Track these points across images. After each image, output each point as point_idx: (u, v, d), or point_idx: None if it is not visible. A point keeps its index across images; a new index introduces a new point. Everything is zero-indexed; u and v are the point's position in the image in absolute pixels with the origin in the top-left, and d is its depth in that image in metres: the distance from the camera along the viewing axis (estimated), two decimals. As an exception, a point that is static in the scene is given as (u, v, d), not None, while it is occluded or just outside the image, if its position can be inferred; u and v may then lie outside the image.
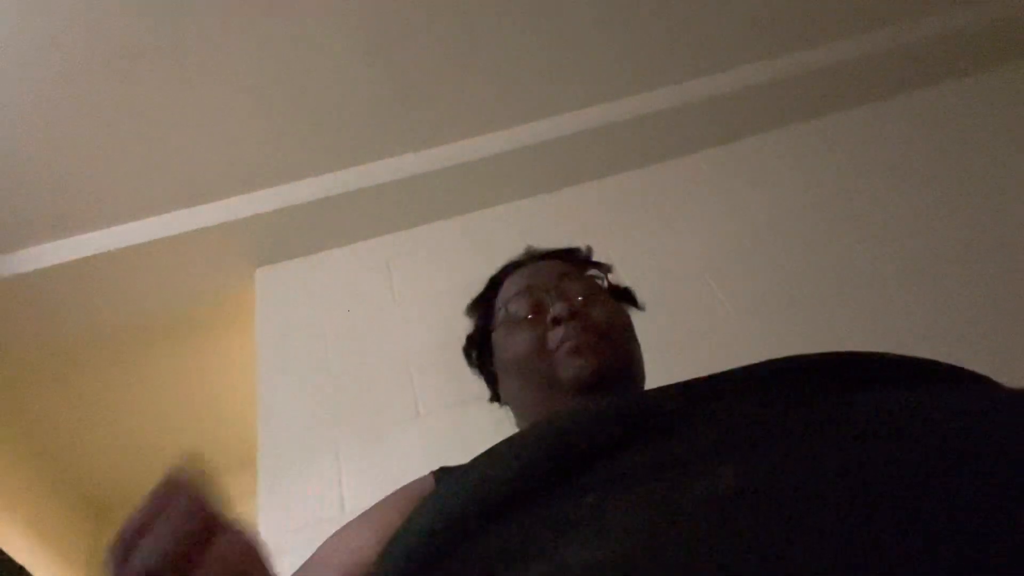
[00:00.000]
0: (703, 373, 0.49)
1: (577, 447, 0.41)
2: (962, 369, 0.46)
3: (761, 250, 1.65)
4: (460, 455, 0.62)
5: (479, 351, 0.88)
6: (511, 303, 0.79)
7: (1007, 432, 0.32)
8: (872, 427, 0.35)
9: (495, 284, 0.88)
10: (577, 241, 0.95)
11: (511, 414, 0.82)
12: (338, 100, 1.70)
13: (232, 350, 2.16)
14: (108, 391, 2.22)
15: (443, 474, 0.71)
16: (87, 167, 1.66)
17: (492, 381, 0.86)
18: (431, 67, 1.69)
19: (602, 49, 1.77)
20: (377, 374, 1.56)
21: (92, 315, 1.86)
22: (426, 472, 0.73)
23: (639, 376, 0.77)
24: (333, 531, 0.66)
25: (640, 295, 0.91)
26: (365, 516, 0.65)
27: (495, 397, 0.87)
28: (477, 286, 0.90)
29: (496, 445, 0.48)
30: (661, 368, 0.83)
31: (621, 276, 0.92)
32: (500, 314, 0.81)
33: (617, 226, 1.76)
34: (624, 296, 0.88)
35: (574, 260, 0.89)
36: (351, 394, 1.53)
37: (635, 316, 0.84)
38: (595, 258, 0.91)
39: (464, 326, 0.91)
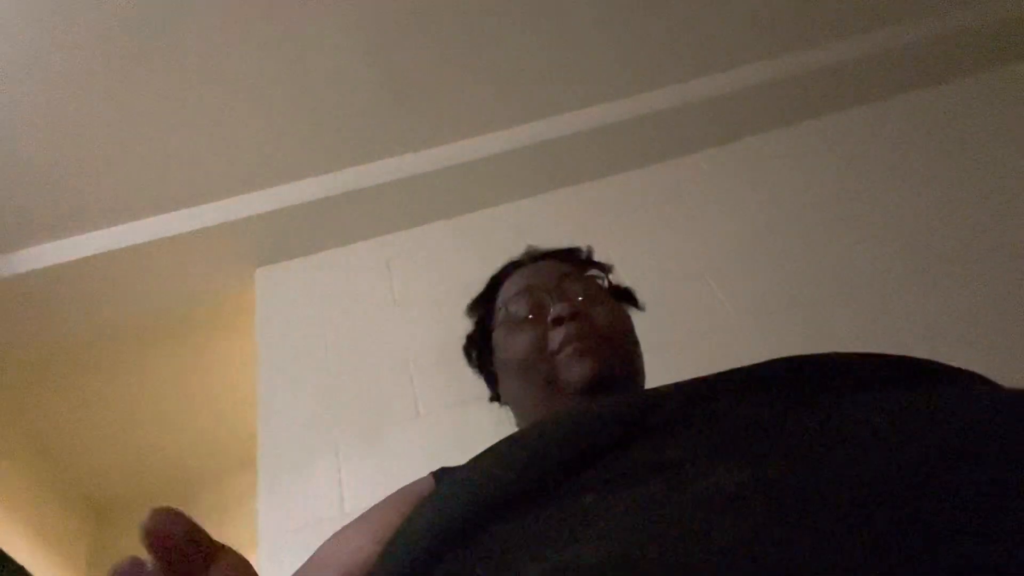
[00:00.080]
0: (703, 373, 0.49)
1: (577, 447, 0.41)
2: (961, 370, 0.46)
3: (761, 250, 1.65)
4: (460, 455, 0.62)
5: (479, 351, 0.88)
6: (511, 303, 0.79)
7: (1007, 432, 0.32)
8: (872, 428, 0.35)
9: (495, 284, 0.88)
10: (577, 241, 0.95)
11: (511, 414, 0.82)
12: (338, 100, 1.70)
13: (232, 350, 2.16)
14: (108, 391, 2.22)
15: (443, 474, 0.71)
16: (87, 167, 1.66)
17: (492, 381, 0.86)
18: (431, 67, 1.69)
19: (602, 49, 1.77)
20: (377, 374, 1.56)
21: (92, 315, 1.86)
22: (426, 472, 0.73)
23: (639, 376, 0.77)
24: (333, 531, 0.66)
25: (640, 295, 0.91)
26: (365, 517, 0.65)
27: (495, 397, 0.87)
28: (477, 286, 0.90)
29: (496, 445, 0.48)
30: (661, 368, 0.83)
31: (621, 276, 0.92)
32: (500, 314, 0.81)
33: (617, 226, 1.76)
34: (624, 296, 0.88)
35: (575, 260, 0.89)
36: (351, 394, 1.53)
37: (635, 316, 0.84)
38: (595, 258, 0.91)
39: (464, 326, 0.91)
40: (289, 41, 1.58)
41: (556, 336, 0.72)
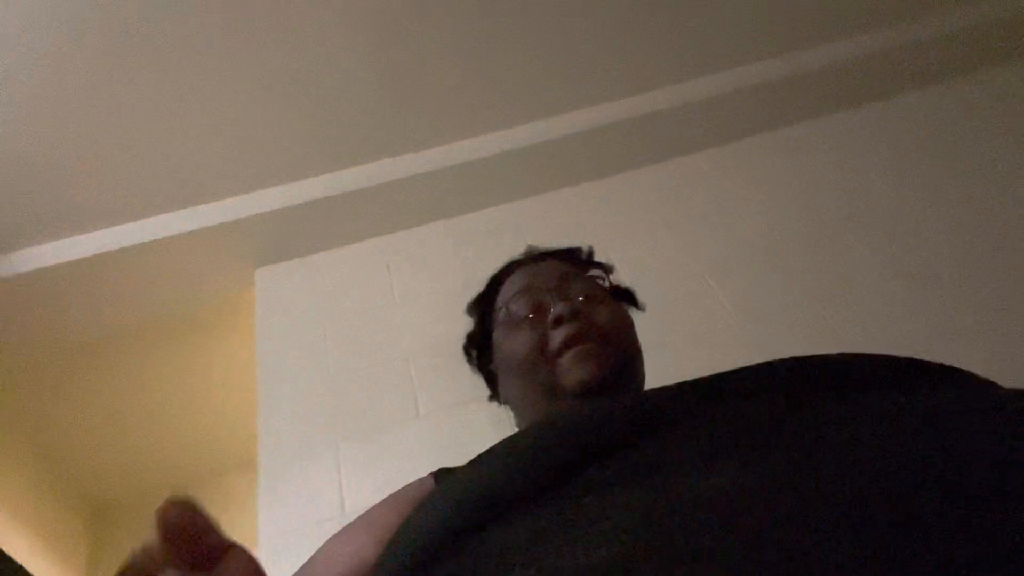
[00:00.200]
0: (703, 373, 0.49)
1: (577, 448, 0.41)
2: (962, 371, 0.46)
3: (761, 250, 1.65)
4: (460, 455, 0.62)
5: (479, 350, 0.88)
6: (512, 303, 0.79)
7: (1007, 434, 0.32)
8: (872, 430, 0.35)
9: (496, 283, 0.88)
10: (577, 241, 0.95)
11: (510, 414, 0.81)
12: (338, 100, 1.70)
13: (232, 350, 2.16)
14: (108, 391, 2.22)
15: (443, 475, 0.71)
16: (87, 167, 1.66)
17: (492, 380, 0.86)
18: (431, 67, 1.69)
19: (602, 49, 1.77)
20: (377, 374, 1.56)
21: (92, 315, 1.86)
22: (426, 472, 0.73)
23: (639, 377, 0.77)
24: (333, 531, 0.66)
25: (640, 295, 0.91)
26: (365, 517, 0.65)
27: (494, 396, 0.87)
28: (477, 286, 0.90)
29: (496, 445, 0.48)
30: (661, 368, 0.83)
31: (621, 276, 0.92)
32: (501, 313, 0.81)
33: (617, 226, 1.76)
34: (625, 297, 0.88)
35: (575, 260, 0.89)
36: (351, 394, 1.53)
37: (635, 316, 0.84)
38: (596, 258, 0.91)
39: (464, 326, 0.91)
40: (289, 41, 1.58)
41: (556, 336, 0.72)
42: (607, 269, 0.89)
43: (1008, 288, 1.47)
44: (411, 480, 0.72)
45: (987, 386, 0.45)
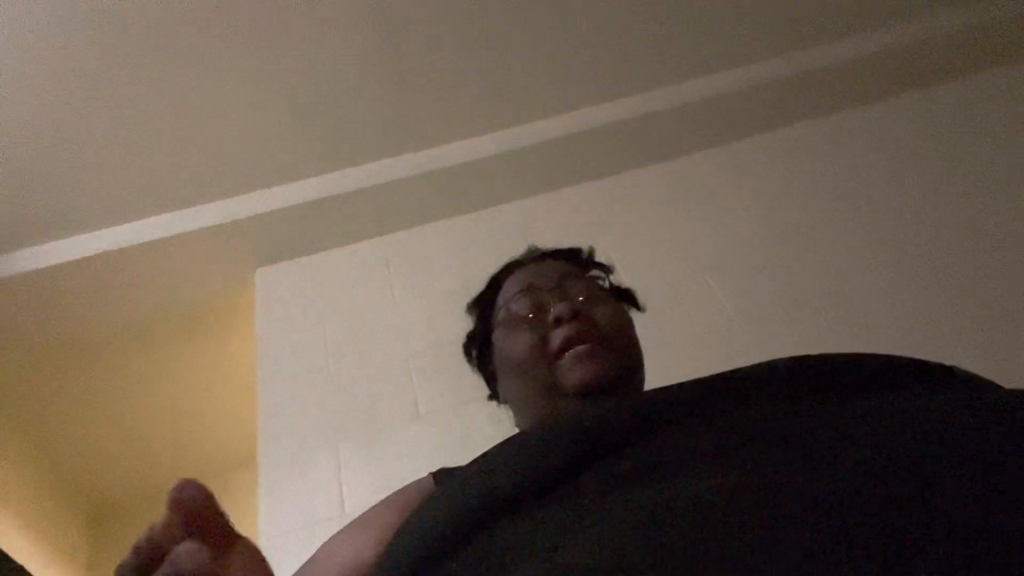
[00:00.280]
0: (703, 373, 0.49)
1: (577, 449, 0.41)
2: (962, 371, 0.46)
3: (761, 250, 1.65)
4: (460, 455, 0.62)
5: (479, 350, 0.87)
6: (512, 302, 0.79)
7: (1007, 434, 0.32)
8: (873, 430, 0.35)
9: (496, 283, 0.88)
10: (577, 241, 0.95)
11: (510, 413, 0.81)
12: (338, 100, 1.70)
13: (232, 350, 2.16)
14: (108, 391, 2.21)
15: (443, 475, 0.71)
16: (87, 167, 1.66)
17: (492, 380, 0.86)
18: (431, 67, 1.69)
19: (602, 49, 1.77)
20: (377, 374, 1.56)
21: (92, 315, 1.86)
22: (426, 472, 0.73)
23: (639, 378, 0.76)
24: (333, 531, 0.66)
25: (640, 295, 0.91)
26: (364, 518, 0.65)
27: (494, 396, 0.87)
28: (477, 286, 0.90)
29: (496, 446, 0.48)
30: (661, 368, 0.83)
31: (621, 276, 0.92)
32: (501, 313, 0.81)
33: (617, 226, 1.76)
34: (625, 297, 0.88)
35: (576, 261, 0.88)
36: (351, 394, 1.53)
37: (635, 316, 0.84)
38: (596, 259, 0.91)
39: (464, 326, 0.91)
40: (289, 42, 1.58)
41: (557, 336, 0.72)
42: (607, 269, 0.89)
43: (1008, 288, 1.47)
44: (411, 480, 0.72)
45: (987, 386, 0.45)
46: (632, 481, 0.36)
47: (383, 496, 0.69)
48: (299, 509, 1.37)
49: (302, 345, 1.64)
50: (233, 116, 1.66)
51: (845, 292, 1.53)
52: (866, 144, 1.85)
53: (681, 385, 0.47)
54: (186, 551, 0.32)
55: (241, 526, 0.39)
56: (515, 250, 0.93)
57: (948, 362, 0.47)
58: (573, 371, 0.69)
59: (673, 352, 1.30)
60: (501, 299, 0.83)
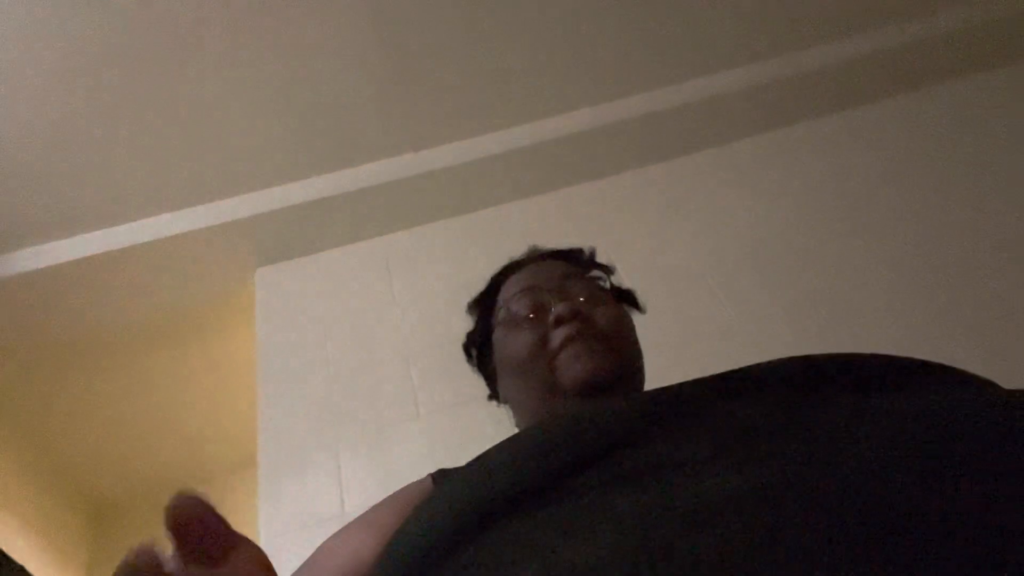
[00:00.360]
0: (703, 373, 0.49)
1: (577, 449, 0.41)
2: (962, 371, 0.46)
3: (761, 250, 1.65)
4: (460, 455, 0.62)
5: (479, 349, 0.87)
6: (513, 302, 0.79)
7: (1007, 434, 0.32)
8: (873, 431, 0.35)
9: (497, 282, 0.88)
10: (577, 241, 0.95)
11: (510, 413, 0.81)
12: (338, 100, 1.70)
13: (232, 350, 2.16)
14: (108, 391, 2.21)
15: (441, 476, 0.71)
16: (87, 167, 1.66)
17: (491, 379, 0.86)
18: (431, 67, 1.69)
19: (602, 49, 1.77)
20: (377, 374, 1.56)
21: (92, 315, 1.86)
22: (426, 473, 0.73)
23: (639, 378, 0.76)
24: (333, 531, 0.66)
25: (640, 295, 0.91)
26: (363, 518, 0.65)
27: (494, 395, 0.87)
28: (477, 286, 0.90)
29: (495, 447, 0.48)
30: (661, 368, 0.83)
31: (621, 276, 0.92)
32: (501, 313, 0.81)
33: (617, 226, 1.76)
34: (626, 298, 0.88)
35: (577, 261, 0.88)
36: (351, 394, 1.53)
37: (635, 316, 0.84)
38: (597, 259, 0.91)
39: (464, 326, 0.91)
40: (289, 41, 1.58)
41: (557, 336, 0.72)
42: (608, 270, 0.89)
43: (1008, 288, 1.47)
44: (411, 480, 0.72)
45: (987, 386, 0.45)
46: (632, 481, 0.36)
47: (383, 496, 0.69)
48: (299, 509, 1.37)
49: (302, 345, 1.64)
50: (233, 116, 1.66)
51: (845, 292, 1.53)
52: (865, 144, 1.85)
53: (681, 385, 0.47)
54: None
55: (241, 526, 0.39)
56: (515, 250, 0.93)
57: (947, 362, 0.47)
58: (572, 368, 0.69)
59: (673, 352, 1.30)
60: (502, 299, 0.83)
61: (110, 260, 1.74)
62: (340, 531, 0.65)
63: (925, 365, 0.46)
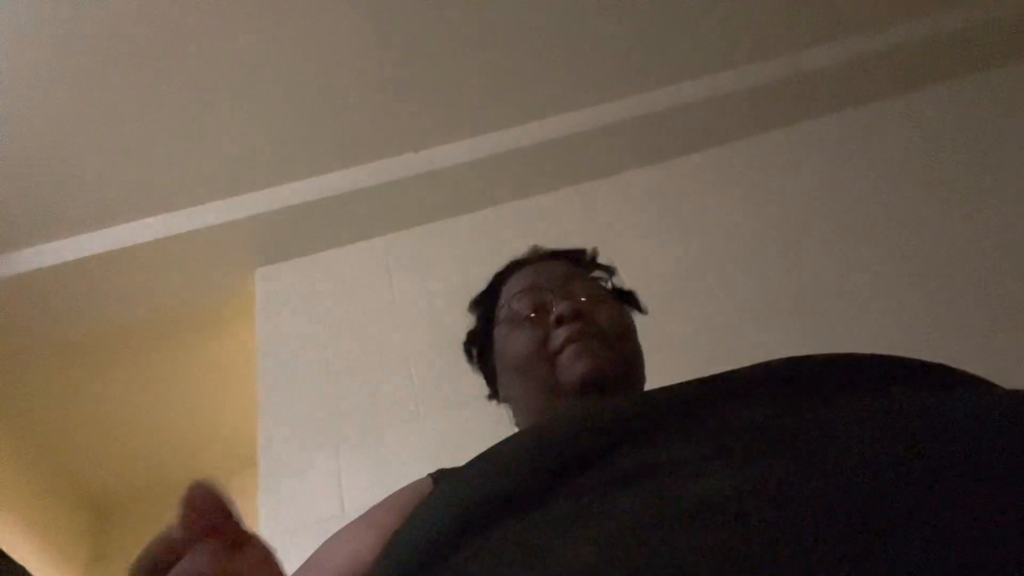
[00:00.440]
0: (703, 373, 0.49)
1: (576, 449, 0.41)
2: (961, 371, 0.46)
3: (761, 250, 1.65)
4: (460, 455, 0.62)
5: (480, 348, 0.88)
6: (514, 301, 0.79)
7: (1008, 437, 0.32)
8: (871, 431, 0.35)
9: (499, 281, 0.88)
10: (577, 241, 0.95)
11: (510, 412, 0.81)
12: (338, 100, 1.70)
13: (232, 350, 2.16)
14: (108, 391, 2.21)
15: (441, 476, 0.71)
16: (87, 167, 1.66)
17: (491, 378, 0.86)
18: (431, 67, 1.69)
19: (602, 49, 1.77)
20: (377, 374, 1.56)
21: (92, 315, 1.86)
22: (425, 472, 0.73)
23: (640, 379, 0.77)
24: (333, 531, 0.66)
25: (640, 295, 0.91)
26: (363, 519, 0.65)
27: (494, 394, 0.87)
28: (477, 286, 0.90)
29: (495, 446, 0.48)
30: (661, 368, 0.83)
31: (621, 276, 0.92)
32: (503, 311, 0.81)
33: (617, 226, 1.76)
34: (627, 299, 0.88)
35: (579, 261, 0.88)
36: (351, 394, 1.54)
37: (636, 316, 0.84)
38: (598, 260, 0.91)
39: (464, 326, 0.91)
40: (290, 41, 1.58)
41: (558, 335, 0.72)
42: (610, 271, 0.89)
43: (1008, 288, 1.47)
44: (411, 480, 0.72)
45: (987, 386, 0.45)
46: (632, 481, 0.36)
47: (383, 496, 0.69)
48: (299, 509, 1.37)
49: (302, 345, 1.64)
50: (233, 116, 1.66)
51: (844, 292, 1.53)
52: (865, 144, 1.85)
53: (681, 385, 0.47)
54: (200, 554, 0.32)
55: (241, 526, 0.39)
56: (515, 250, 0.93)
57: (947, 362, 0.47)
58: (572, 366, 0.69)
59: (673, 352, 1.30)
60: (503, 298, 0.83)
61: (110, 260, 1.74)
62: (340, 531, 0.65)
63: (925, 365, 0.46)
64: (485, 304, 0.88)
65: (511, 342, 0.76)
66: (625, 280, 0.90)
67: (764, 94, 1.87)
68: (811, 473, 0.31)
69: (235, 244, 1.79)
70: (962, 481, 0.29)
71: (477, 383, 0.90)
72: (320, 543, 0.65)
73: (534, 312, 0.76)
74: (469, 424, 1.41)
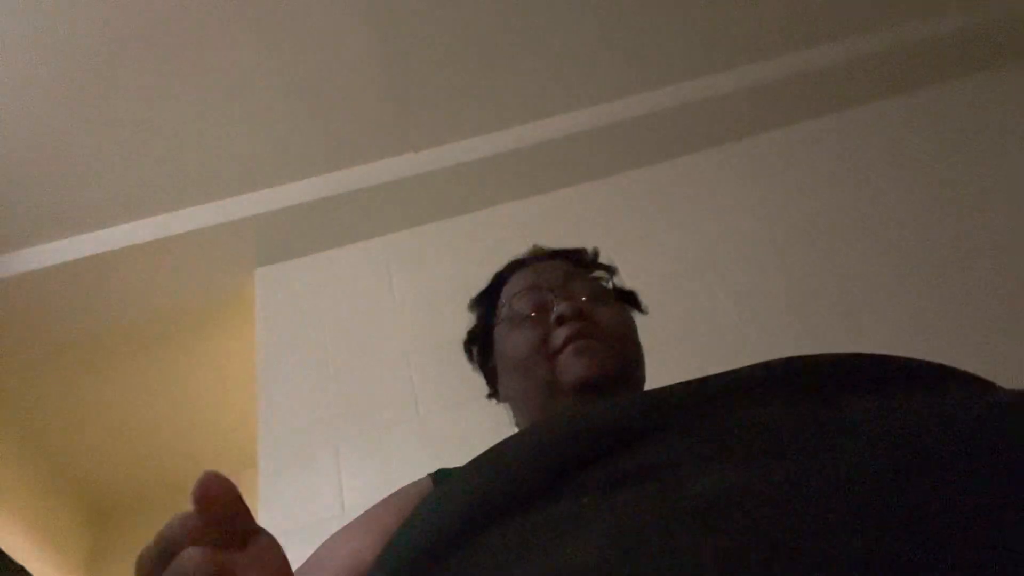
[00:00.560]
0: (703, 373, 0.49)
1: (576, 449, 0.41)
2: (963, 372, 0.46)
3: (761, 249, 1.65)
4: (460, 455, 0.62)
5: (480, 347, 0.88)
6: (515, 300, 0.79)
7: (1007, 437, 0.32)
8: (871, 431, 0.35)
9: (500, 280, 0.88)
10: (577, 241, 0.95)
11: (510, 411, 0.81)
12: (338, 100, 1.70)
13: (232, 350, 2.16)
14: (108, 391, 2.21)
15: (441, 476, 0.71)
16: (87, 167, 1.66)
17: (491, 377, 0.86)
18: (431, 67, 1.69)
19: (602, 49, 1.77)
20: (377, 374, 1.56)
21: (92, 315, 1.86)
22: (425, 473, 0.73)
23: (640, 379, 0.76)
24: (333, 531, 0.66)
25: (640, 295, 0.91)
26: (363, 518, 0.65)
27: (494, 394, 0.87)
28: (477, 286, 0.90)
29: (495, 447, 0.48)
30: (661, 368, 0.83)
31: (621, 276, 0.92)
32: (503, 311, 0.81)
33: (617, 226, 1.76)
34: (628, 299, 0.88)
35: (580, 261, 0.89)
36: (351, 394, 1.54)
37: (636, 316, 0.84)
38: (599, 260, 0.91)
39: (464, 326, 0.91)
40: (290, 42, 1.58)
41: (559, 335, 0.72)
42: (611, 271, 0.89)
43: (1008, 288, 1.47)
44: (411, 480, 0.72)
45: (988, 387, 0.45)
46: (632, 481, 0.36)
47: (383, 496, 0.69)
48: (299, 509, 1.37)
49: (302, 345, 1.64)
50: (233, 116, 1.66)
51: (845, 292, 1.53)
52: (866, 144, 1.85)
53: (681, 385, 0.47)
54: (192, 556, 0.32)
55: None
56: (515, 250, 0.93)
57: (948, 362, 0.47)
58: (572, 366, 0.69)
59: (673, 352, 1.30)
60: (504, 297, 0.83)
61: (110, 260, 1.74)
62: (340, 531, 0.65)
63: (925, 365, 0.46)
64: (485, 304, 0.88)
65: (511, 341, 0.76)
66: (625, 280, 0.90)
67: (764, 94, 1.87)
68: (811, 473, 0.31)
69: (235, 244, 1.79)
70: (963, 481, 0.29)
71: (477, 383, 0.90)
72: (320, 543, 0.65)
73: (535, 312, 0.76)
74: (469, 424, 1.41)
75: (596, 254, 0.91)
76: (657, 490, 0.34)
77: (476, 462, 0.47)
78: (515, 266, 0.88)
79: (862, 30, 1.90)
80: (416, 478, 0.72)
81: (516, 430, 0.70)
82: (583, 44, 1.75)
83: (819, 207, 1.72)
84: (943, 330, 1.42)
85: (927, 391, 0.42)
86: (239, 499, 0.34)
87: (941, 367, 0.46)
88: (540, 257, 0.89)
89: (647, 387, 0.77)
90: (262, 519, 1.37)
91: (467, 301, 0.91)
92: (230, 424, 2.46)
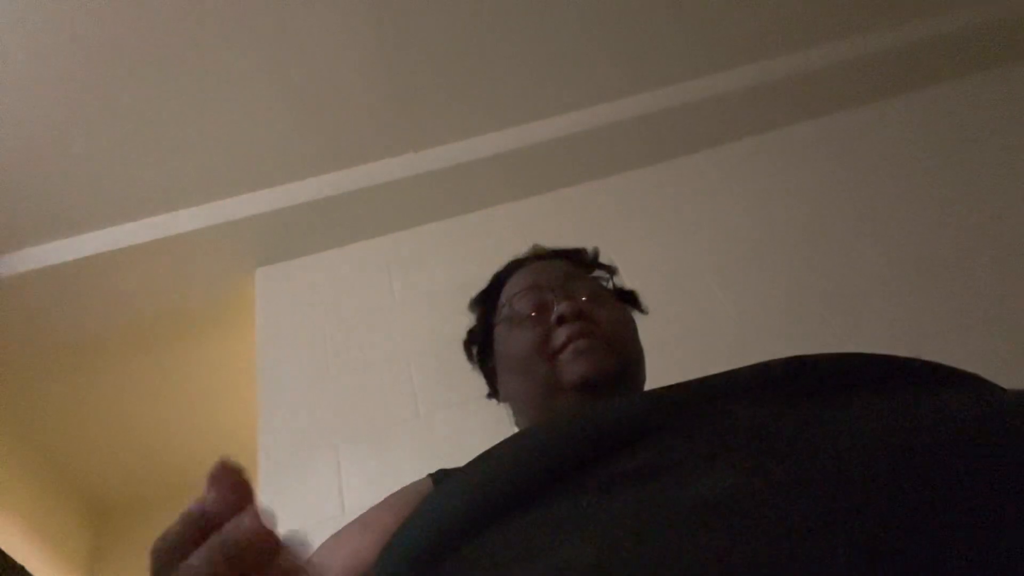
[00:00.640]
0: (703, 373, 0.49)
1: (576, 449, 0.41)
2: (963, 371, 0.46)
3: (761, 249, 1.65)
4: (460, 455, 0.62)
5: (480, 346, 0.88)
6: (515, 300, 0.79)
7: (1008, 436, 0.32)
8: (872, 432, 0.35)
9: (500, 281, 0.88)
10: (577, 241, 0.95)
11: (510, 411, 0.81)
12: (338, 100, 1.70)
13: (232, 350, 2.16)
14: (108, 391, 2.21)
15: (441, 476, 0.71)
16: (87, 167, 1.66)
17: (491, 377, 0.86)
18: (431, 67, 1.69)
19: (602, 49, 1.77)
20: (377, 374, 1.56)
21: (92, 315, 1.86)
22: (425, 473, 0.73)
23: (640, 379, 0.77)
24: (333, 531, 0.66)
25: (640, 295, 0.91)
26: (362, 519, 0.65)
27: (494, 394, 0.87)
28: (477, 286, 0.90)
29: (495, 447, 0.48)
30: (661, 368, 0.83)
31: (621, 276, 0.92)
32: (504, 311, 0.81)
33: (617, 226, 1.76)
34: (628, 299, 0.88)
35: (580, 261, 0.89)
36: (351, 394, 1.53)
37: (636, 316, 0.84)
38: (600, 260, 0.91)
39: (464, 326, 0.91)
40: (289, 42, 1.58)
41: (559, 335, 0.72)
42: (611, 271, 0.89)
43: (1008, 288, 1.47)
44: (411, 480, 0.72)
45: (988, 387, 0.45)
46: (632, 481, 0.36)
47: (383, 496, 0.69)
48: (299, 509, 1.37)
49: (302, 345, 1.64)
50: (233, 116, 1.66)
51: (845, 292, 1.53)
52: (865, 144, 1.85)
53: (681, 385, 0.47)
54: (239, 524, 0.32)
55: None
56: (515, 250, 0.93)
57: (947, 362, 0.47)
58: (573, 365, 0.69)
59: (673, 352, 1.30)
60: (504, 297, 0.83)
61: (110, 260, 1.74)
62: (340, 531, 0.65)
63: (925, 365, 0.46)
64: (486, 303, 0.88)
65: (512, 341, 0.76)
66: (625, 280, 0.90)
67: (763, 94, 1.87)
68: (811, 473, 0.31)
69: (235, 244, 1.79)
70: (963, 481, 0.29)
71: (477, 383, 0.90)
72: (320, 543, 0.65)
73: (535, 311, 0.76)
74: (469, 424, 1.41)
75: (596, 254, 0.91)
76: (657, 490, 0.34)
77: (476, 462, 0.47)
78: (515, 266, 0.88)
79: (862, 30, 1.90)
80: (416, 478, 0.72)
81: (516, 430, 0.70)
82: (583, 44, 1.75)
83: (819, 207, 1.71)
84: (943, 330, 1.42)
85: (927, 391, 0.42)
86: (251, 488, 0.34)
87: (941, 367, 0.46)
88: (540, 257, 0.89)
89: (647, 387, 0.77)
90: (262, 519, 1.37)
91: (467, 301, 0.91)
92: (230, 424, 2.46)
